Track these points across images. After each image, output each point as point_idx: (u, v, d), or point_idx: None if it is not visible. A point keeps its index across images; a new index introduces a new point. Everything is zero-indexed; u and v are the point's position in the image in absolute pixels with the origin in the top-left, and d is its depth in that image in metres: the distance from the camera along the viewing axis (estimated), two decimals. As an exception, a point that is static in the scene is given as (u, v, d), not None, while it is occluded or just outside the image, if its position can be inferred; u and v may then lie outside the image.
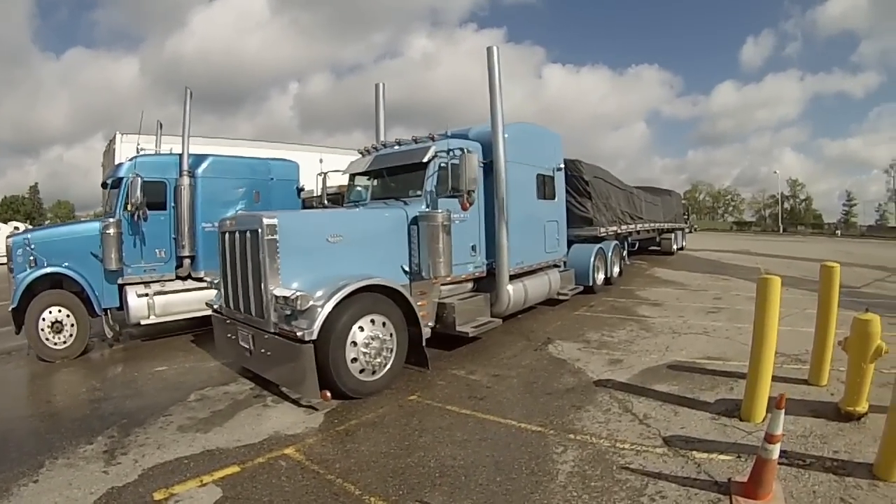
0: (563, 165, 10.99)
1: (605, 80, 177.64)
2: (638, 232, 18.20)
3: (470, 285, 8.92)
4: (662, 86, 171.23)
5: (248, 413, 5.78)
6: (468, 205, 7.75)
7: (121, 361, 8.48)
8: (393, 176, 8.77)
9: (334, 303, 5.66)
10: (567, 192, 13.02)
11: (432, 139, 8.20)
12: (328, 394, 5.55)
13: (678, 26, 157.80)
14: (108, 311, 9.24)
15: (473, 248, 8.67)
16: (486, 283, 8.88)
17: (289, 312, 5.71)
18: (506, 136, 8.83)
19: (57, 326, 8.45)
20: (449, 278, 7.80)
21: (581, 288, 12.27)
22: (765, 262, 22.29)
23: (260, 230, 5.91)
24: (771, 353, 5.00)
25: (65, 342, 8.52)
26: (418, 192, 8.04)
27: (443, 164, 7.89)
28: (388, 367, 6.32)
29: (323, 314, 5.58)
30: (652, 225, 19.87)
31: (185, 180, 9.46)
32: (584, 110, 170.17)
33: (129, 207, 8.96)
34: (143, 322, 9.12)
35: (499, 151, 8.59)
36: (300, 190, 11.55)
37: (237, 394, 6.43)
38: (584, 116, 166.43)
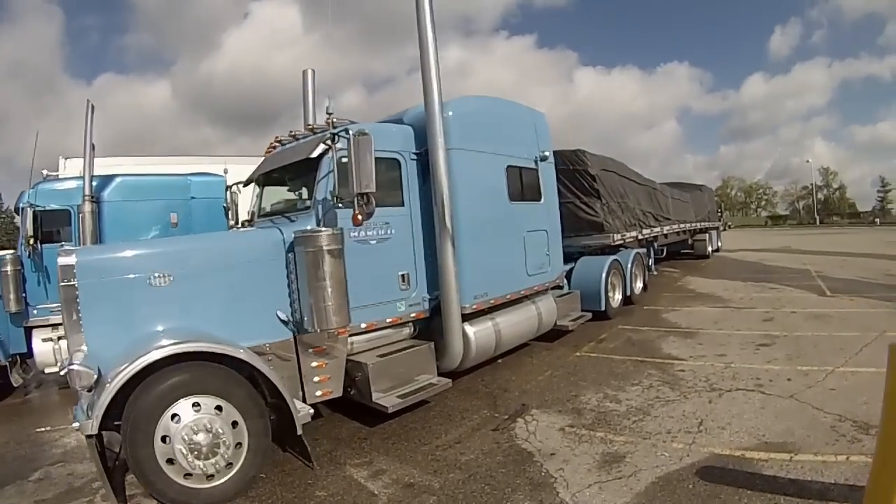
0: (549, 154, 8.05)
1: (636, 81, 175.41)
2: (665, 235, 15.11)
3: (406, 330, 6.25)
4: (692, 82, 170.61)
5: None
6: (360, 218, 5.05)
7: (12, 415, 7.46)
8: (281, 184, 6.41)
9: (119, 384, 3.81)
10: (568, 190, 10.34)
11: (331, 126, 5.44)
12: None
13: (706, 21, 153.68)
14: (17, 357, 8.27)
15: (404, 278, 5.99)
16: (436, 324, 6.25)
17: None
18: (449, 113, 6.17)
19: None
20: (364, 325, 5.59)
21: (589, 315, 9.30)
22: (812, 261, 19.06)
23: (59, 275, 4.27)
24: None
25: None
26: (308, 203, 5.60)
27: (344, 160, 5.18)
28: (237, 468, 4.25)
29: (103, 401, 3.78)
30: (682, 226, 16.89)
31: (87, 206, 7.95)
32: (615, 111, 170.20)
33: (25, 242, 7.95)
34: (47, 370, 8.11)
35: (435, 133, 5.88)
36: (227, 209, 9.29)
37: (79, 477, 5.07)
38: (616, 117, 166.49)
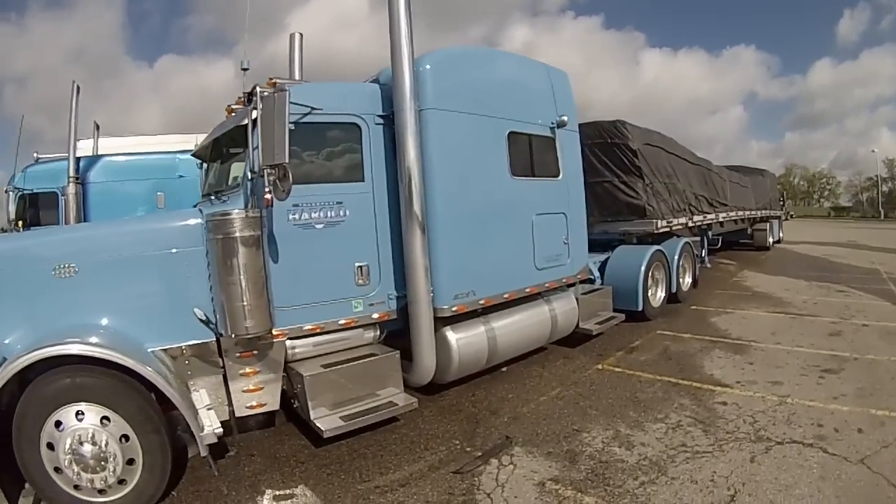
0: (570, 119, 6.53)
1: (702, 63, 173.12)
2: (721, 223, 13.10)
3: (370, 334, 5.15)
4: (758, 66, 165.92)
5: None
6: (269, 197, 4.04)
7: None
8: (222, 158, 5.45)
9: (1, 382, 3.45)
10: (605, 167, 8.88)
11: (272, 87, 4.32)
12: None
13: (773, 2, 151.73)
14: None
15: (361, 270, 4.84)
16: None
17: None
18: (426, 66, 5.02)
19: None
20: (308, 327, 4.67)
21: (621, 317, 7.82)
22: (882, 259, 16.40)
23: None
24: None
25: None
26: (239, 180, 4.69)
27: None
28: (132, 486, 3.72)
29: None
30: (740, 213, 14.67)
31: (71, 188, 7.94)
32: (680, 95, 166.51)
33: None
34: None
35: (403, 89, 4.72)
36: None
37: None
38: (681, 101, 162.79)
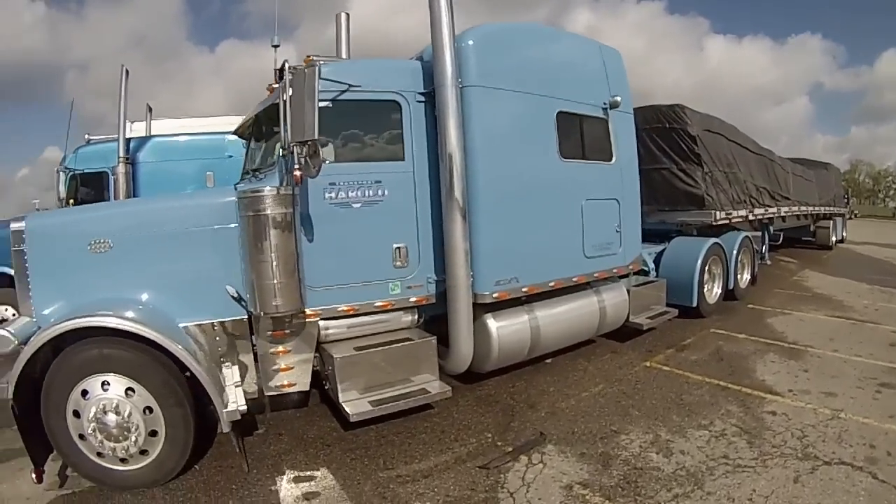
0: (619, 99, 6.06)
1: (766, 51, 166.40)
2: (783, 218, 12.18)
3: (407, 318, 4.97)
4: (824, 56, 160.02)
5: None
6: (299, 174, 3.92)
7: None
8: (262, 137, 5.38)
9: (32, 350, 3.54)
10: (663, 153, 8.44)
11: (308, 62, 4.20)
12: (38, 473, 3.61)
13: None
14: None
15: (399, 252, 4.68)
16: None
17: None
18: (469, 42, 4.81)
19: None
20: (343, 308, 4.57)
21: (674, 312, 7.38)
22: None
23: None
24: None
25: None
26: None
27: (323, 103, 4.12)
28: (153, 456, 3.79)
29: (18, 366, 3.53)
30: (804, 208, 13.58)
31: (121, 168, 8.03)
32: (744, 83, 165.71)
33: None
34: None
35: (444, 65, 4.49)
36: None
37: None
38: (745, 90, 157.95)
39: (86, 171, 8.31)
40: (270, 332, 4.35)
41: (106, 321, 3.59)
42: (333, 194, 4.39)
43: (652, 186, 8.39)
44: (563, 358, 6.34)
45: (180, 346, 3.70)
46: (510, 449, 4.26)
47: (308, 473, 3.99)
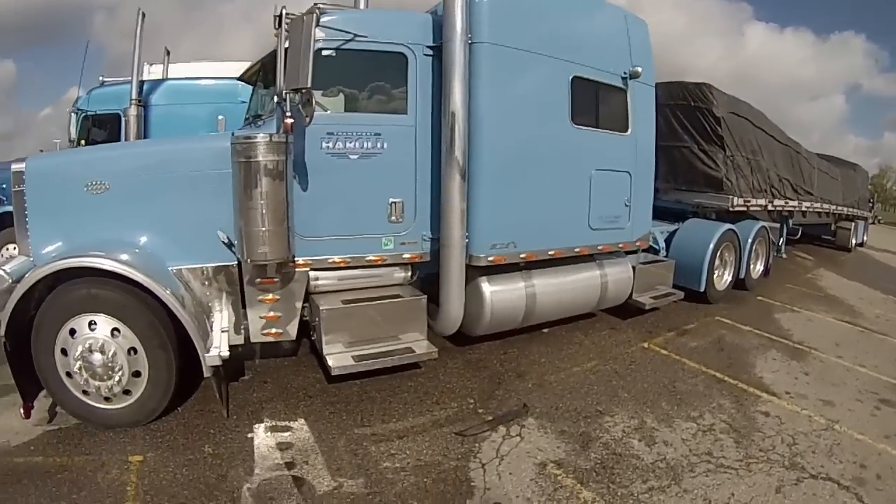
0: (640, 70, 5.80)
1: (807, 45, 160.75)
2: (804, 213, 11.67)
3: (400, 274, 4.94)
4: (866, 58, 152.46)
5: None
6: (291, 121, 3.91)
7: None
8: (265, 84, 5.38)
9: (23, 289, 3.61)
10: (685, 131, 8.17)
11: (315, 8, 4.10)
12: (26, 408, 3.77)
13: None
14: None
15: (395, 207, 4.58)
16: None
17: None
18: None
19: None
20: (334, 260, 4.55)
21: (680, 295, 7.22)
22: None
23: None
24: None
25: None
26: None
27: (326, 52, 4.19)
28: (136, 397, 3.87)
29: (10, 304, 3.61)
30: (826, 206, 13.01)
31: (133, 110, 7.90)
32: (781, 74, 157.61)
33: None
34: None
35: (453, 19, 4.35)
36: None
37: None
38: (781, 81, 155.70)
39: (98, 112, 8.25)
40: (259, 280, 4.32)
41: (93, 262, 3.61)
42: (331, 144, 4.32)
43: (671, 164, 8.17)
44: (561, 329, 6.26)
45: (167, 290, 3.70)
46: (490, 418, 4.22)
47: (285, 423, 4.02)
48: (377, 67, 4.60)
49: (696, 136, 8.06)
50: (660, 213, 7.38)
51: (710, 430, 4.23)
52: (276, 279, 4.35)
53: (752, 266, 8.88)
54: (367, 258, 4.63)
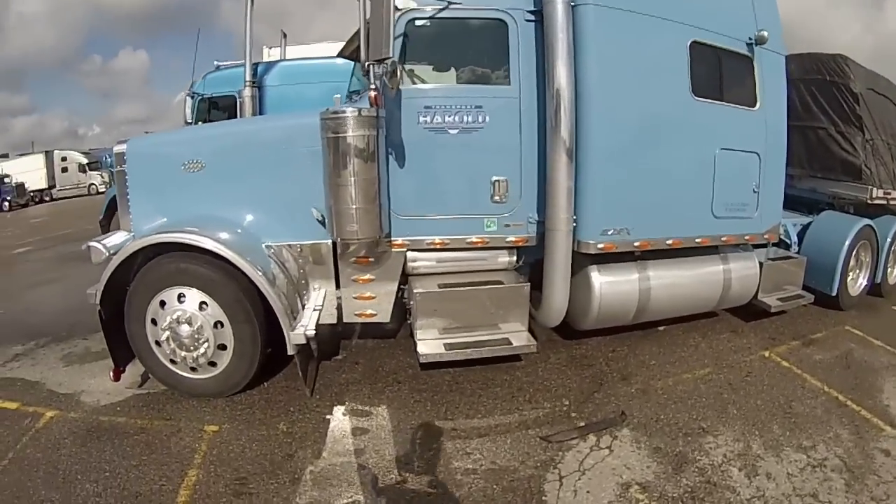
0: (766, 34, 5.02)
1: None
2: None
3: (504, 258, 4.63)
4: None
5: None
6: (374, 94, 3.79)
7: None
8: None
9: (117, 262, 3.86)
10: (821, 110, 7.13)
11: None
12: (116, 372, 4.08)
13: None
14: None
15: (498, 186, 4.31)
16: None
17: None
18: None
19: None
20: (432, 241, 4.36)
21: (810, 298, 6.32)
22: None
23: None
24: None
25: None
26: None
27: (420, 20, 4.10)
28: (221, 369, 4.03)
29: (105, 275, 3.87)
30: None
31: (247, 91, 8.05)
32: None
33: None
34: None
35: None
36: None
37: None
38: None
39: (214, 95, 8.49)
40: (354, 259, 4.23)
41: (181, 237, 3.79)
42: (428, 118, 4.11)
43: (806, 147, 7.23)
44: (678, 328, 5.67)
45: (255, 267, 3.76)
46: (582, 424, 3.85)
47: (367, 408, 3.97)
48: (476, 36, 4.36)
49: (832, 115, 7.07)
50: (792, 203, 6.52)
51: (821, 466, 3.57)
52: (370, 259, 4.23)
53: (890, 269, 7.71)
54: (469, 240, 4.36)
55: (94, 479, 3.23)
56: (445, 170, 4.21)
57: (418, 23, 4.03)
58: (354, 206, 3.73)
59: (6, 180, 27.63)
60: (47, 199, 30.60)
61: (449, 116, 4.12)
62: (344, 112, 3.68)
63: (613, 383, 4.46)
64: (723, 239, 5.24)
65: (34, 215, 22.92)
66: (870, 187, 7.07)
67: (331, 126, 3.71)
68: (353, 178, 3.69)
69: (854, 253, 6.83)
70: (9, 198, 26.97)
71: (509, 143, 4.26)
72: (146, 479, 3.23)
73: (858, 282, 7.17)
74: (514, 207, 4.36)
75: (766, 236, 5.65)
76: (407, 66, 4.09)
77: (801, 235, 6.90)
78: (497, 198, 4.30)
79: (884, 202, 7.38)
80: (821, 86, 7.06)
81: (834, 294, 6.67)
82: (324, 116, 3.77)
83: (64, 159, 32.47)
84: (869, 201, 7.15)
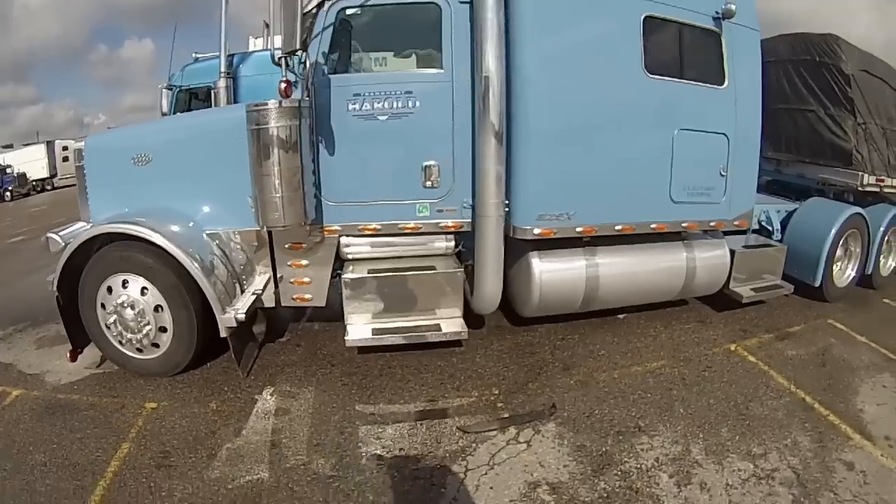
0: (734, 7, 4.71)
1: None
2: None
3: (441, 244, 4.60)
4: None
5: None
6: (284, 86, 3.89)
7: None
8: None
9: (69, 251, 4.15)
10: (810, 92, 6.84)
11: None
12: (72, 353, 4.37)
13: None
14: None
15: (429, 171, 4.25)
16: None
17: None
18: None
19: None
20: (365, 227, 4.44)
21: (789, 289, 6.04)
22: None
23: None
24: None
25: None
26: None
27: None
28: (163, 350, 4.25)
29: (59, 264, 4.18)
30: None
31: (222, 82, 8.27)
32: None
33: None
34: None
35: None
36: None
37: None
38: None
39: (191, 86, 8.62)
40: (288, 245, 4.37)
41: (119, 227, 4.00)
42: (357, 106, 4.14)
43: (795, 131, 6.96)
44: (640, 317, 5.51)
45: (184, 252, 3.91)
46: (507, 415, 3.79)
47: (294, 390, 4.08)
48: (407, 20, 4.36)
49: (822, 97, 6.73)
50: (780, 190, 6.23)
51: (769, 478, 3.21)
52: (303, 244, 4.33)
53: (882, 260, 7.28)
54: (401, 225, 4.38)
55: (43, 450, 3.47)
56: (376, 156, 4.23)
57: (349, 11, 4.06)
58: (278, 195, 3.79)
59: (8, 171, 28.86)
60: (49, 188, 31.78)
61: (378, 103, 4.12)
62: (266, 104, 3.73)
63: (552, 374, 4.37)
64: (683, 225, 5.05)
65: (34, 204, 23.79)
66: (861, 173, 6.72)
67: (254, 118, 3.76)
68: (276, 168, 3.74)
69: (841, 242, 6.52)
70: (10, 188, 28.11)
71: (441, 127, 4.22)
72: (85, 450, 3.44)
73: (846, 273, 6.84)
74: (447, 192, 4.33)
75: (736, 223, 5.41)
76: (337, 55, 4.16)
77: (785, 223, 6.61)
78: (429, 183, 4.27)
79: (877, 189, 7.00)
80: (811, 67, 6.73)
81: (818, 285, 6.36)
82: (248, 109, 3.83)
83: (65, 149, 33.19)
84: (860, 187, 6.81)
